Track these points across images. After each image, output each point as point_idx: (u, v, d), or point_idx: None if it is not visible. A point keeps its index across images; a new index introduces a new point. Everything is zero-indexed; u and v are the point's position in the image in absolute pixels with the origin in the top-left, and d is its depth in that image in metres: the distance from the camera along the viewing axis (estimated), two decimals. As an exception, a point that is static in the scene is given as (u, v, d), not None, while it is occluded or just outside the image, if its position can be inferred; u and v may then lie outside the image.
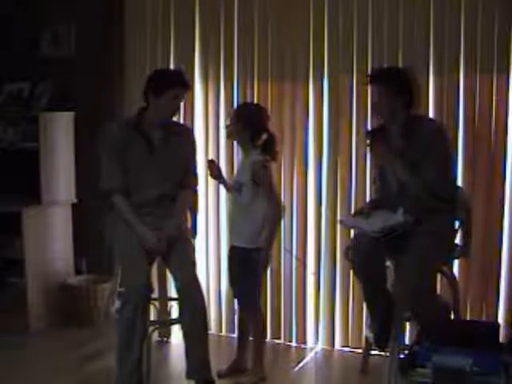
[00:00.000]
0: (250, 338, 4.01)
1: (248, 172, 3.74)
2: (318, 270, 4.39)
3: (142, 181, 3.72)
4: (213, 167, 4.02)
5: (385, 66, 3.94)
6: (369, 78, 3.59)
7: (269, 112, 4.13)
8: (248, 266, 3.78)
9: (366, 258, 3.57)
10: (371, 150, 3.71)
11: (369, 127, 4.09)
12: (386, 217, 3.52)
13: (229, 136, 3.97)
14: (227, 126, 3.93)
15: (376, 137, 3.62)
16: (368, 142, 3.68)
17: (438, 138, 3.48)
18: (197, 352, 3.61)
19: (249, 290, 3.86)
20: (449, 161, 3.56)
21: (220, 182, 4.10)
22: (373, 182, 3.98)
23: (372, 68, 4.00)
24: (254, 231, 3.78)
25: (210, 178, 4.17)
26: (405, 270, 3.51)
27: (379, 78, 3.54)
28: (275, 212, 3.80)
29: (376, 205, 3.72)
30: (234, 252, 3.91)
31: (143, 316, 3.56)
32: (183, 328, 3.64)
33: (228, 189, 4.03)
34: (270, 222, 3.78)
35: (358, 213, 3.74)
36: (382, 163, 3.66)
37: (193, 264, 3.72)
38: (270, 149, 3.84)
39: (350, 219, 3.96)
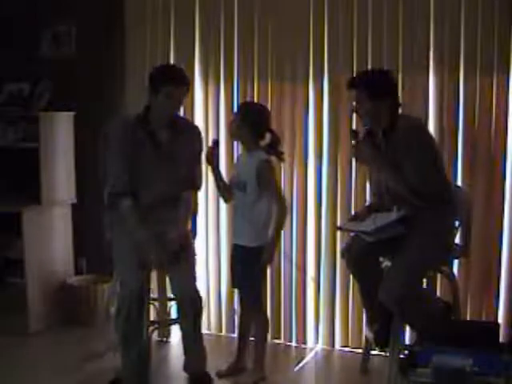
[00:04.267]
0: (251, 338, 4.01)
1: (253, 171, 3.74)
2: (318, 271, 4.39)
3: (148, 180, 3.68)
4: (212, 152, 3.87)
5: (365, 69, 3.93)
6: (348, 84, 3.56)
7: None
8: (251, 265, 3.77)
9: (360, 259, 3.59)
10: (355, 152, 3.66)
11: (353, 127, 4.08)
12: (381, 217, 3.52)
13: (233, 135, 3.93)
14: (231, 124, 3.88)
15: (360, 138, 3.60)
16: (353, 142, 3.64)
17: (415, 138, 3.44)
18: (194, 350, 3.76)
19: (253, 290, 3.85)
20: (429, 159, 3.47)
21: (212, 170, 3.92)
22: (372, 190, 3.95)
23: (356, 73, 3.97)
24: (257, 230, 3.77)
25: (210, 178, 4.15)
26: (391, 272, 3.51)
27: (358, 83, 3.52)
28: (281, 211, 3.80)
29: (373, 208, 3.72)
30: (237, 251, 3.90)
31: (139, 320, 3.60)
32: (182, 331, 3.75)
33: (219, 182, 3.93)
34: (276, 222, 3.78)
35: (354, 218, 3.74)
36: (367, 165, 3.66)
37: (192, 272, 3.73)
38: (275, 149, 3.84)
39: (346, 224, 3.96)
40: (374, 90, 3.45)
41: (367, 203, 4.08)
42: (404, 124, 3.48)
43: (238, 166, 3.95)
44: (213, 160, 3.86)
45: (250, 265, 3.78)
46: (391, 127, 3.47)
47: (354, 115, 4.18)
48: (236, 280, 3.97)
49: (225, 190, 3.95)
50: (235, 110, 4.07)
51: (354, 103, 3.56)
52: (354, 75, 3.72)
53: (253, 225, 3.77)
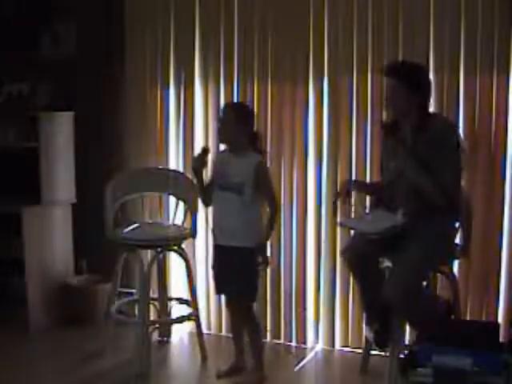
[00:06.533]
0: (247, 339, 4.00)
1: (249, 172, 3.71)
2: (318, 271, 4.39)
3: None
4: (203, 158, 3.79)
5: (403, 60, 3.91)
6: (386, 70, 3.55)
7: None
8: (249, 265, 3.76)
9: (360, 258, 3.58)
10: (383, 144, 3.65)
11: (378, 120, 4.04)
12: (385, 217, 3.51)
13: (227, 139, 3.81)
14: (222, 128, 3.78)
15: (389, 131, 3.57)
16: (383, 133, 3.61)
17: (452, 138, 3.44)
18: None
19: (252, 291, 3.82)
20: (458, 162, 3.49)
21: (197, 177, 3.83)
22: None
23: (389, 61, 3.92)
24: (254, 230, 3.76)
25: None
26: (395, 272, 3.51)
27: (397, 70, 3.50)
28: (277, 210, 3.84)
29: (375, 188, 3.74)
30: (226, 253, 3.80)
31: None
32: None
33: (204, 188, 3.85)
34: (272, 221, 3.79)
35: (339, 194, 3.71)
36: (393, 159, 3.61)
37: None
38: (260, 147, 3.83)
39: (348, 220, 3.96)
40: (411, 81, 3.42)
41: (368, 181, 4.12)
42: (440, 123, 3.48)
43: (226, 168, 3.79)
44: (201, 167, 3.79)
45: (247, 265, 3.75)
46: (421, 124, 3.46)
47: (354, 115, 4.20)
48: (226, 284, 3.85)
49: (208, 195, 3.88)
50: (222, 112, 3.88)
51: (386, 92, 3.54)
52: (392, 62, 3.68)
53: (249, 225, 3.75)
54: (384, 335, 3.60)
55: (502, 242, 4.03)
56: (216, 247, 3.90)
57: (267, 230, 3.80)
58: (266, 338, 4.38)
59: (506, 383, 2.93)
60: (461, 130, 4.02)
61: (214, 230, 3.89)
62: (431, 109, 4.01)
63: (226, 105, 4.10)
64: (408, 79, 3.44)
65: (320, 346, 4.44)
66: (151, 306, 4.36)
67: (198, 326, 4.26)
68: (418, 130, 3.47)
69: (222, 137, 3.86)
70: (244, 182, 3.72)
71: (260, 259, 3.77)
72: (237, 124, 3.72)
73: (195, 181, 3.87)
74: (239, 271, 3.76)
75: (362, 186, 3.91)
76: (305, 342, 4.45)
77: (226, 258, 3.82)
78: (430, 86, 3.55)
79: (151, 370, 4.00)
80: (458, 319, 3.72)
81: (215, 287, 4.00)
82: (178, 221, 4.42)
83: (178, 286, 4.62)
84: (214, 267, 3.94)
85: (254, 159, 3.75)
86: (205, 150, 3.81)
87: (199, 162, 3.78)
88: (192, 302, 4.26)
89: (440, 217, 3.45)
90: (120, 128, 4.78)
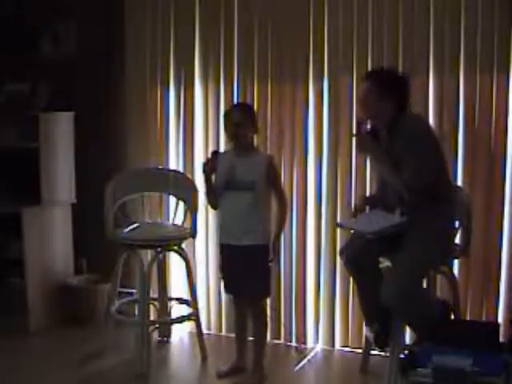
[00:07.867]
0: (250, 338, 4.00)
1: (260, 169, 3.74)
2: (318, 270, 4.39)
3: None
4: (213, 162, 3.80)
5: (383, 66, 3.92)
6: (364, 76, 3.61)
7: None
8: (262, 263, 3.78)
9: (359, 258, 3.59)
10: (356, 142, 3.71)
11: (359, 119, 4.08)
12: (383, 217, 3.52)
13: (240, 137, 3.76)
14: (235, 126, 3.74)
15: (363, 130, 3.61)
16: (355, 133, 3.65)
17: (415, 135, 3.44)
18: None
19: (265, 288, 3.85)
20: (427, 157, 3.45)
21: (207, 181, 3.84)
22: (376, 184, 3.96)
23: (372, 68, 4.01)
24: (266, 227, 3.80)
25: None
26: (391, 272, 3.52)
27: (370, 75, 3.58)
28: (286, 206, 3.92)
29: (372, 199, 3.77)
30: (241, 252, 3.78)
31: None
32: None
33: (212, 191, 3.85)
34: (283, 217, 3.87)
35: (354, 213, 3.76)
36: (366, 156, 3.69)
37: None
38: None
39: (347, 221, 3.97)
40: (381, 85, 3.47)
41: (367, 194, 4.11)
42: (409, 123, 3.49)
43: (234, 169, 3.77)
44: (211, 171, 3.80)
45: (262, 263, 3.78)
46: (394, 125, 3.48)
47: (354, 115, 4.20)
48: (241, 282, 3.84)
49: (216, 198, 3.87)
50: (236, 112, 3.83)
51: (361, 95, 3.59)
52: (371, 69, 3.84)
53: (262, 223, 3.79)
54: (384, 335, 3.60)
55: (502, 241, 4.03)
56: (225, 247, 3.89)
57: (279, 226, 3.85)
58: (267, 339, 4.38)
59: (506, 383, 2.93)
60: (461, 130, 4.03)
61: (221, 231, 3.91)
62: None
63: (239, 105, 4.15)
64: (382, 85, 3.47)
65: (320, 346, 4.44)
66: (151, 306, 4.36)
67: (198, 326, 4.27)
68: (390, 132, 3.50)
69: (235, 135, 3.78)
70: (256, 180, 3.74)
71: (272, 256, 3.81)
72: (247, 123, 3.76)
73: (204, 184, 3.87)
74: (255, 269, 3.78)
75: (373, 200, 3.88)
76: (305, 342, 4.46)
77: (239, 258, 3.81)
78: (403, 92, 3.54)
79: (151, 369, 4.00)
80: (458, 319, 3.72)
81: (226, 287, 4.01)
82: (178, 221, 4.42)
83: (177, 285, 4.62)
84: (223, 268, 3.96)
85: (263, 157, 3.83)
86: (215, 154, 3.83)
87: (210, 166, 3.79)
88: (192, 302, 4.27)
89: (432, 216, 3.46)
90: (120, 128, 4.78)
